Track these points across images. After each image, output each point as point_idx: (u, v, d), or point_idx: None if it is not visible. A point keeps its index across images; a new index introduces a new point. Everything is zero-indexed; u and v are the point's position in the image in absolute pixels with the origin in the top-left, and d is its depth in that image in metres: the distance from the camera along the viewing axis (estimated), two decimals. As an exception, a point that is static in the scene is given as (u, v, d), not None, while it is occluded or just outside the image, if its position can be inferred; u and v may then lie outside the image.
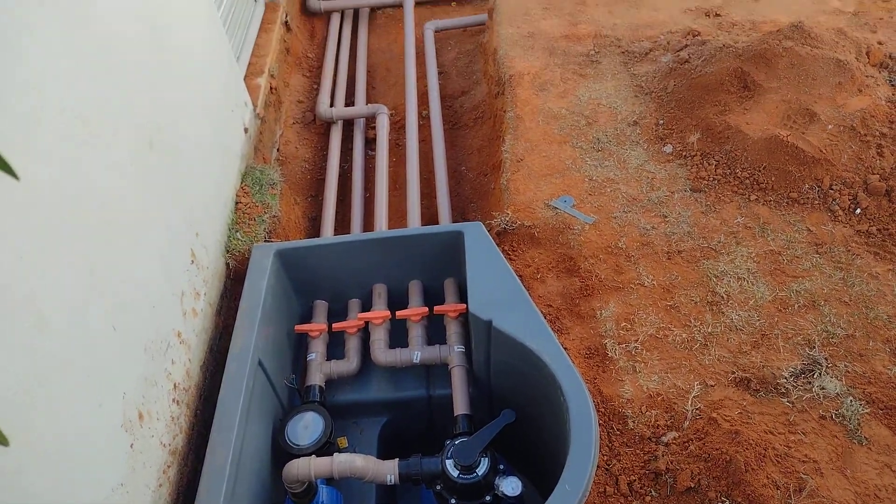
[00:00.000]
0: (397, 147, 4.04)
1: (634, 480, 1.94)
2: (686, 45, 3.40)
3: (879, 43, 3.25)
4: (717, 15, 3.72)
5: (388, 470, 1.88)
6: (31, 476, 1.40)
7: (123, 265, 1.84)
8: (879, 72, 3.03)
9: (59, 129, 1.62)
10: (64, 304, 1.56)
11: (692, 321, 2.31)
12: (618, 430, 2.06)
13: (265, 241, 2.73)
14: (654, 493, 1.92)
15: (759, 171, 2.72)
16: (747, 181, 2.73)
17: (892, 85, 2.99)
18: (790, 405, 2.03)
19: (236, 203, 2.75)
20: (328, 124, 4.00)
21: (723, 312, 2.32)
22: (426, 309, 2.45)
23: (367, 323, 2.47)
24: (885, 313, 2.27)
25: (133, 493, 1.76)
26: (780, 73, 2.93)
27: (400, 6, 4.87)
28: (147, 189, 2.03)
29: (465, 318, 2.41)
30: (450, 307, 2.42)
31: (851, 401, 2.02)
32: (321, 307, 2.60)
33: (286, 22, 4.23)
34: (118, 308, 1.79)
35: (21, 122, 1.48)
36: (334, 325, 2.47)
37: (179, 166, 2.28)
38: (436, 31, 4.60)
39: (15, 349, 1.39)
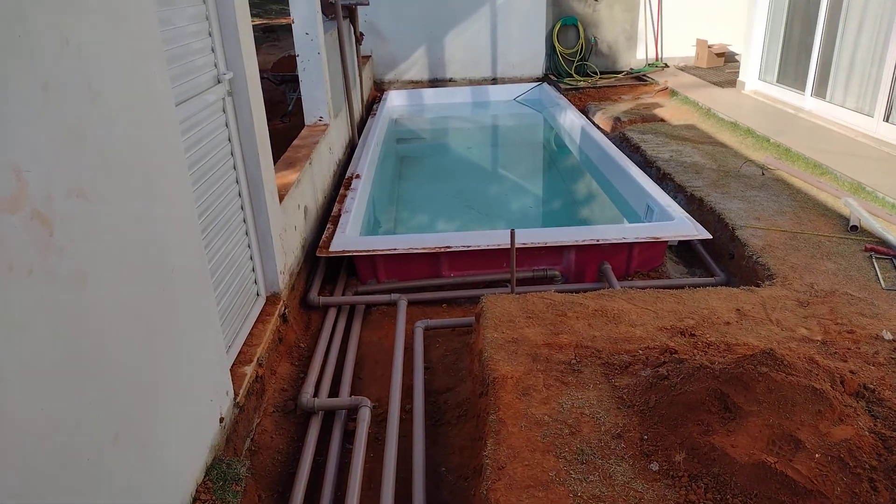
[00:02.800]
0: (377, 441, 3.92)
1: None
2: (664, 362, 3.52)
3: (852, 372, 3.38)
4: (692, 335, 3.93)
5: None
6: None
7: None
8: (857, 401, 3.09)
9: (18, 422, 1.57)
10: None
11: None
12: None
13: (217, 546, 2.48)
14: None
15: (752, 498, 2.59)
16: (740, 509, 2.58)
17: (873, 415, 3.02)
18: None
19: (194, 500, 2.56)
20: (309, 414, 3.94)
21: None
22: None
23: None
24: None
25: None
26: (759, 397, 2.98)
27: (394, 305, 5.18)
28: (98, 489, 1.90)
29: None
30: None
31: None
32: None
33: (284, 314, 4.45)
34: None
35: None
36: None
37: (141, 466, 2.17)
38: (425, 329, 4.82)
39: None
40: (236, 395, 3.25)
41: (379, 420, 4.09)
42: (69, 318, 1.80)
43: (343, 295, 5.32)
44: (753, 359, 3.17)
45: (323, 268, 5.61)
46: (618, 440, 3.08)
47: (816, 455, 2.70)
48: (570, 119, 9.90)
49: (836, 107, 8.07)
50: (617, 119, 9.87)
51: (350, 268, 5.69)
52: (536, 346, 3.87)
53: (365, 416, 3.80)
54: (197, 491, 2.60)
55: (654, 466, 2.89)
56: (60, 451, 1.70)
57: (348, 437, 3.91)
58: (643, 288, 4.67)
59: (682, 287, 4.74)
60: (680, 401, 3.12)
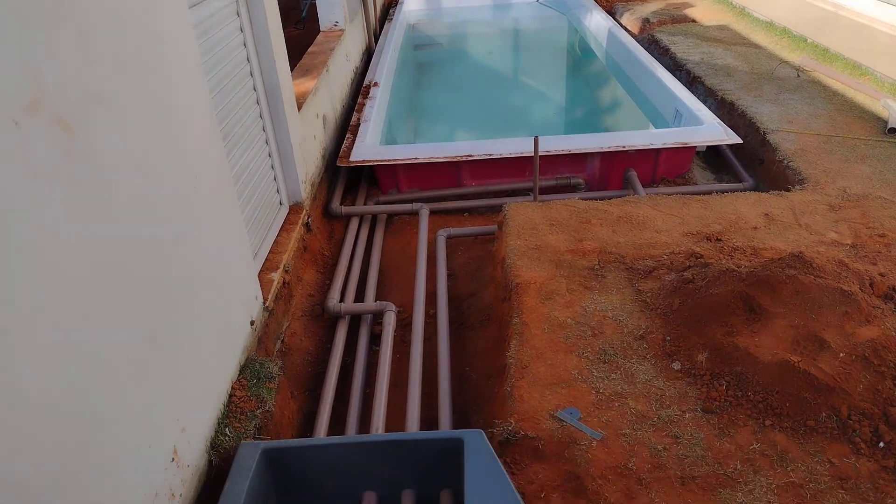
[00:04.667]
0: (402, 343, 4.02)
1: None
2: (689, 266, 3.51)
3: (881, 275, 3.34)
4: (719, 240, 3.89)
5: None
6: None
7: (95, 464, 1.72)
8: (885, 303, 3.07)
9: (56, 322, 1.61)
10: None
11: (712, 561, 2.08)
12: None
13: (255, 437, 2.60)
14: None
15: (773, 395, 2.64)
16: (760, 405, 2.63)
17: (899, 316, 3.01)
18: None
19: (230, 396, 2.67)
20: (336, 318, 4.03)
21: (745, 553, 2.10)
22: (418, 527, 2.24)
23: (352, 539, 2.25)
24: (927, 566, 2.03)
25: None
26: (785, 300, 2.97)
27: (416, 214, 5.18)
28: (139, 384, 1.98)
29: (460, 541, 2.20)
30: (444, 526, 2.22)
31: None
32: (304, 516, 2.39)
33: (307, 223, 4.47)
34: (84, 507, 1.65)
35: (18, 318, 1.48)
36: (316, 540, 2.25)
37: (177, 361, 2.25)
38: (448, 238, 4.83)
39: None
40: (265, 299, 3.32)
41: (404, 324, 4.17)
42: (98, 223, 1.81)
43: (365, 205, 5.31)
44: (781, 262, 3.14)
45: (344, 178, 5.58)
46: (640, 341, 3.12)
47: (841, 354, 2.71)
48: (596, 21, 9.44)
49: (881, 3, 7.57)
50: (645, 20, 9.40)
51: (371, 178, 5.65)
52: (559, 252, 3.87)
53: (390, 320, 3.88)
54: (232, 388, 2.71)
55: (677, 365, 2.94)
56: (98, 350, 1.76)
57: (374, 339, 4.01)
58: (669, 194, 4.59)
59: (709, 193, 4.65)
60: (704, 303, 3.12)
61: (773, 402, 2.63)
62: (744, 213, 4.20)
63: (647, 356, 3.02)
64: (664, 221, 4.14)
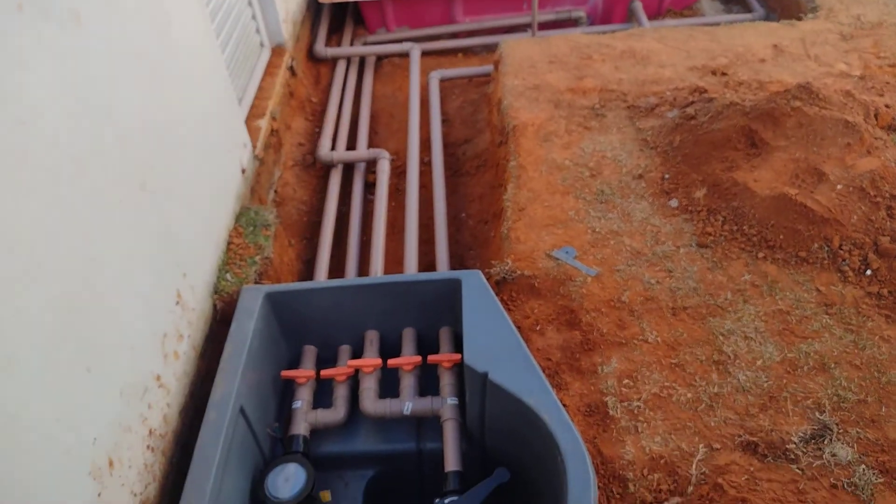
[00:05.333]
0: (397, 192, 4.00)
1: (635, 551, 1.81)
2: (692, 102, 3.39)
3: (887, 106, 3.24)
4: (724, 74, 3.73)
5: (372, 531, 1.76)
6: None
7: (103, 306, 1.75)
8: (888, 134, 3.00)
9: (46, 164, 1.56)
10: (36, 343, 1.47)
11: (697, 380, 2.20)
12: (618, 493, 1.93)
13: (255, 282, 2.65)
14: (656, 567, 1.78)
15: (767, 228, 2.66)
16: (755, 238, 2.66)
17: (900, 147, 2.95)
18: (800, 472, 1.91)
19: (228, 243, 2.68)
20: (328, 167, 3.97)
21: (729, 372, 2.22)
22: (419, 358, 2.35)
23: (356, 371, 2.37)
24: (899, 379, 2.16)
25: (94, 548, 1.63)
26: (788, 132, 2.90)
27: (406, 55, 4.92)
28: (135, 229, 1.96)
29: (459, 370, 2.31)
30: (444, 357, 2.33)
31: (864, 469, 1.90)
32: (310, 352, 2.50)
33: (291, 67, 4.25)
34: (94, 349, 1.70)
35: (7, 157, 1.42)
36: (322, 372, 2.37)
37: (171, 207, 2.22)
38: (441, 80, 4.63)
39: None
40: (254, 147, 3.24)
41: (398, 172, 4.12)
42: (71, 60, 1.69)
43: (352, 45, 5.03)
44: (787, 93, 3.03)
45: (328, 17, 5.23)
46: (638, 180, 3.09)
47: (838, 186, 2.70)
48: None
49: None
50: None
51: (357, 16, 5.30)
52: (559, 91, 3.72)
53: (384, 167, 3.82)
54: (230, 236, 2.72)
55: (674, 203, 2.93)
56: (91, 194, 1.72)
57: (369, 188, 3.98)
58: (675, 27, 4.33)
59: (717, 24, 4.39)
60: (706, 139, 3.06)
61: (767, 235, 2.66)
62: (752, 44, 3.99)
63: (645, 195, 3.01)
64: (669, 56, 3.95)
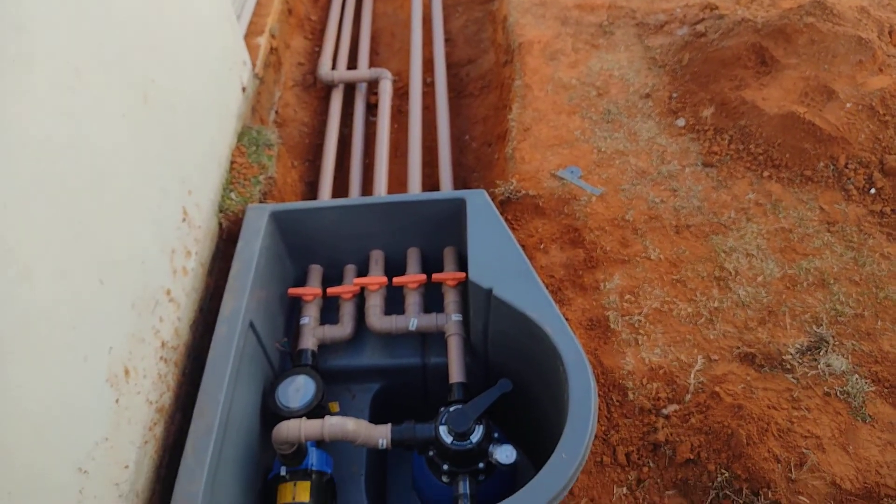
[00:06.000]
0: (399, 114, 3.94)
1: (632, 451, 1.89)
2: (703, 19, 3.29)
3: (902, 22, 3.15)
4: (736, -11, 3.60)
5: (381, 434, 1.83)
6: (9, 429, 1.33)
7: (112, 219, 1.76)
8: (901, 50, 2.93)
9: (49, 75, 1.54)
10: (50, 255, 1.49)
11: (698, 296, 2.25)
12: (617, 401, 2.01)
13: (260, 202, 2.65)
14: (651, 464, 1.86)
15: (774, 147, 2.64)
16: (761, 157, 2.65)
17: (914, 64, 2.89)
18: (795, 381, 1.98)
19: (231, 163, 2.67)
20: (329, 88, 3.89)
21: (730, 288, 2.26)
22: (424, 276, 2.38)
23: (362, 289, 2.40)
24: (895, 293, 2.20)
25: (117, 449, 1.70)
26: (799, 50, 2.83)
27: (408, -29, 4.73)
28: (139, 143, 1.95)
29: (463, 288, 2.34)
30: (449, 275, 2.36)
31: (857, 379, 1.97)
32: (316, 272, 2.53)
33: (290, -19, 4.10)
34: (106, 262, 1.72)
35: (10, 65, 1.40)
36: (329, 290, 2.40)
37: (174, 122, 2.20)
38: (444, -2, 4.48)
39: (-4, 297, 1.32)
40: (254, 65, 3.17)
41: (400, 94, 4.05)
42: None
43: (351, -38, 4.83)
44: (800, 9, 2.94)
45: (325, -69, 5.00)
46: (646, 100, 3.05)
47: (848, 105, 2.66)
48: None
49: None
50: None
51: (355, -70, 5.07)
52: (566, 7, 3.61)
53: (386, 87, 3.74)
54: (232, 155, 2.70)
55: (681, 122, 2.90)
56: (91, 104, 1.70)
57: (371, 110, 3.92)
58: (686, -61, 4.14)
59: (730, -63, 4.20)
60: (715, 57, 2.99)
61: (773, 154, 2.64)
62: (767, -42, 3.83)
63: (652, 114, 2.97)
64: (679, -30, 3.80)
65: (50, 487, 1.46)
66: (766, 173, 2.62)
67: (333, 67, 3.93)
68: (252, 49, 3.27)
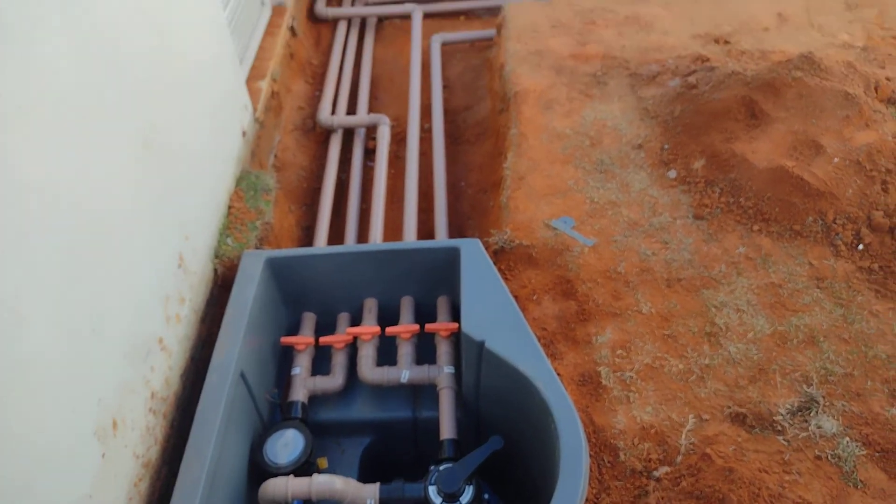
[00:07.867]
0: (397, 159, 3.99)
1: (623, 516, 1.88)
2: (694, 71, 3.37)
3: (888, 79, 3.22)
4: (727, 42, 3.69)
5: (369, 494, 1.81)
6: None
7: (108, 265, 1.77)
8: (887, 107, 2.99)
9: (52, 121, 1.56)
10: (44, 302, 1.50)
11: (689, 352, 2.25)
12: (608, 462, 2.00)
13: (256, 247, 2.67)
14: (643, 530, 1.85)
15: (763, 201, 2.67)
16: (751, 211, 2.68)
17: (901, 121, 2.95)
18: (786, 443, 1.97)
19: (229, 207, 2.69)
20: (328, 132, 3.95)
21: (721, 344, 2.26)
22: (417, 326, 2.38)
23: (355, 338, 2.41)
24: (884, 352, 2.21)
25: (100, 506, 1.68)
26: (788, 103, 2.89)
27: (408, 17, 4.85)
28: (138, 188, 1.97)
29: (456, 339, 2.35)
30: (442, 326, 2.36)
31: (848, 441, 1.96)
32: (309, 319, 2.54)
33: (292, 27, 4.19)
34: (99, 309, 1.72)
35: (15, 112, 1.42)
36: (321, 339, 2.41)
37: (173, 167, 2.23)
38: (443, 45, 4.58)
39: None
40: (255, 109, 3.22)
41: (398, 139, 4.10)
42: (78, 7, 1.67)
43: (353, 6, 4.95)
44: (789, 63, 3.01)
45: (328, -23, 5.13)
46: (638, 150, 3.09)
47: (835, 159, 2.70)
48: None
49: None
50: None
51: (357, -24, 5.20)
52: (562, 57, 3.69)
53: (385, 133, 3.80)
54: (230, 200, 2.72)
55: (672, 174, 2.94)
56: (93, 147, 1.71)
57: (369, 155, 3.97)
58: (679, -8, 4.26)
59: (722, -10, 4.32)
60: (706, 109, 3.05)
61: (763, 207, 2.67)
62: (756, 12, 3.94)
63: (644, 165, 3.01)
64: (673, 22, 3.90)
65: (29, 548, 1.44)
66: (755, 227, 2.65)
67: (333, 112, 4.00)
68: (254, 93, 3.33)
